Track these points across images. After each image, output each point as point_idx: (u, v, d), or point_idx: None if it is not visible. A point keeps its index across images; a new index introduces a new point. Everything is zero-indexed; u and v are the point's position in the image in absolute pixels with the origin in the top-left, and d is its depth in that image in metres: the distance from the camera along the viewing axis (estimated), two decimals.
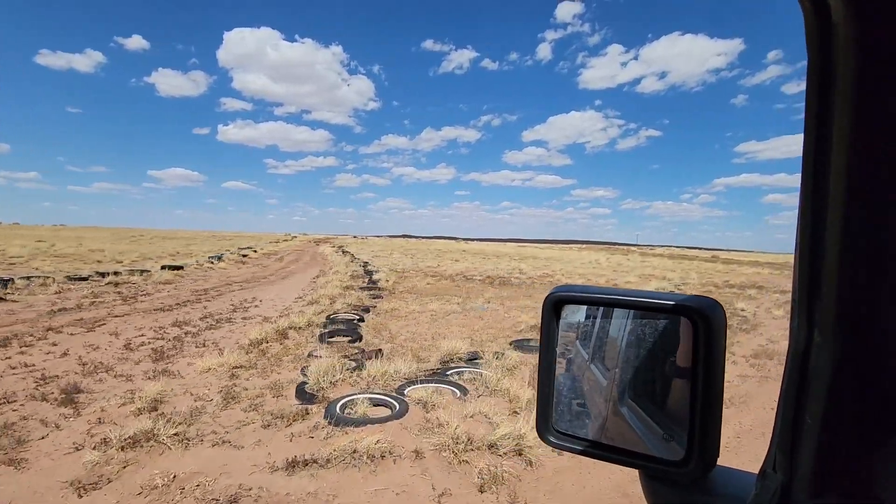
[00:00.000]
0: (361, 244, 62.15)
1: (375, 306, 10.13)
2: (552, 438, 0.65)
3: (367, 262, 23.53)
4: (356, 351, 6.24)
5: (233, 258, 24.11)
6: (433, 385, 4.81)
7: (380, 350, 6.16)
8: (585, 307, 0.65)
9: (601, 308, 0.64)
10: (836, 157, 0.38)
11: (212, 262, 20.26)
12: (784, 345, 0.70)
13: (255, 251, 31.52)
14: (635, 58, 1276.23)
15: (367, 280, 15.54)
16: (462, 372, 5.39)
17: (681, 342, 0.54)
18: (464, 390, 4.76)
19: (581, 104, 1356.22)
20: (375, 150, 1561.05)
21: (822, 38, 0.38)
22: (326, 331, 7.31)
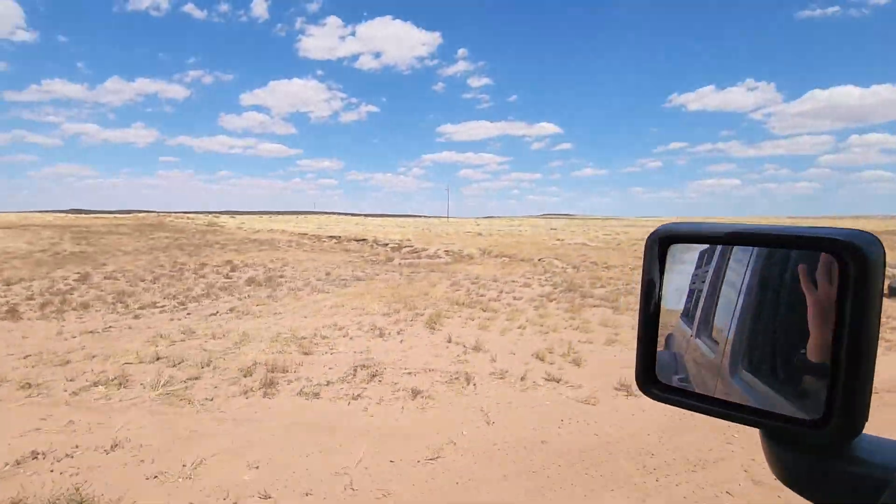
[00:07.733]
0: None
1: None
2: (656, 391, 0.58)
3: None
4: None
5: None
6: None
7: None
8: (697, 251, 0.57)
9: (717, 249, 0.56)
10: None
11: None
12: None
13: None
14: (353, 34, 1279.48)
15: None
16: None
17: (821, 282, 0.45)
18: None
19: (303, 72, 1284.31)
20: (34, 97, 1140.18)
21: None
22: None
